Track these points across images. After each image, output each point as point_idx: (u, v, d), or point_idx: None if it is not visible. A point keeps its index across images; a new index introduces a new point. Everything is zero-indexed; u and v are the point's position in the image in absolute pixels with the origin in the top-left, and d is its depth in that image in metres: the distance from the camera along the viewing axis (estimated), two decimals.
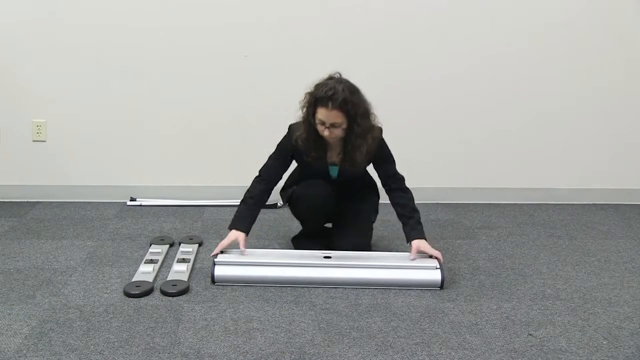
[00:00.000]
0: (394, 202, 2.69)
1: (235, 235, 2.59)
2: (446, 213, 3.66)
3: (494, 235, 3.29)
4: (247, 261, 2.53)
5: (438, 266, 2.54)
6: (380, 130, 2.64)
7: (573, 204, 3.91)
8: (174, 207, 3.62)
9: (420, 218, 2.67)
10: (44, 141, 3.61)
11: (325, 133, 2.49)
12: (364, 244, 2.76)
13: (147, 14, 3.51)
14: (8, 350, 1.96)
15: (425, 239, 2.62)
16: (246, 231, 2.62)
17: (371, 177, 2.89)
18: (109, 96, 3.59)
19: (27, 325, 2.13)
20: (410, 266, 2.54)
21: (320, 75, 3.61)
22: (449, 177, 3.86)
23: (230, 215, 3.45)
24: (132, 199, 3.67)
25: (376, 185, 2.90)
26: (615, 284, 2.67)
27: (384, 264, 2.55)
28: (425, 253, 2.60)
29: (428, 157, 3.81)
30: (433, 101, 3.76)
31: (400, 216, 2.68)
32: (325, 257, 2.58)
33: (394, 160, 2.72)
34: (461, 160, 3.85)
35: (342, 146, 2.60)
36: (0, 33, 3.47)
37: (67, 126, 3.60)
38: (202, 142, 3.69)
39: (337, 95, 2.42)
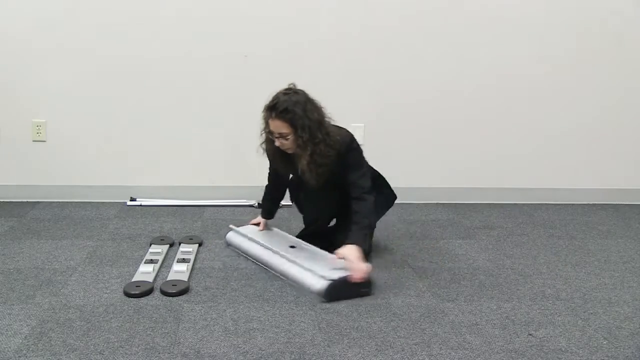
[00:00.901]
0: (352, 210, 2.56)
1: (259, 219, 3.00)
2: (446, 213, 3.66)
3: (494, 235, 3.29)
4: (245, 233, 2.89)
5: (332, 278, 2.37)
6: (349, 137, 2.58)
7: (573, 204, 3.91)
8: (174, 207, 3.62)
9: (367, 226, 2.53)
10: (44, 141, 3.61)
11: (277, 143, 2.53)
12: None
13: (147, 14, 3.51)
14: (8, 350, 1.96)
15: (362, 248, 2.44)
16: (267, 217, 2.99)
17: (377, 174, 2.82)
18: (109, 96, 3.59)
19: (27, 325, 2.13)
20: (306, 268, 2.47)
21: (321, 75, 3.64)
22: (449, 177, 3.86)
23: (230, 215, 3.49)
24: (132, 199, 3.67)
25: (383, 182, 2.84)
26: (615, 284, 2.67)
27: (295, 259, 2.55)
28: (350, 261, 2.40)
29: (428, 157, 3.81)
30: (433, 101, 3.76)
31: (351, 223, 2.54)
32: (291, 246, 2.73)
33: (359, 168, 2.59)
34: (461, 160, 3.85)
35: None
36: (0, 33, 3.47)
37: (67, 126, 3.60)
38: (202, 142, 3.69)
39: (279, 104, 2.46)
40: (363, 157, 2.67)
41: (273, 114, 2.47)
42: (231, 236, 2.95)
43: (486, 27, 3.70)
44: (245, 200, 3.71)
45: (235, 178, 3.74)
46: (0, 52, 3.49)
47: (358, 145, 2.65)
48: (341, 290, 2.39)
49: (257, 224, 2.99)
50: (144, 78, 3.58)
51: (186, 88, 3.61)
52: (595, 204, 3.94)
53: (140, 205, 3.62)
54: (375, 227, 2.79)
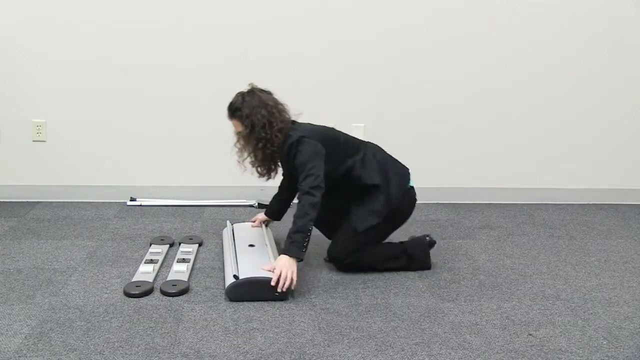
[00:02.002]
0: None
1: (260, 215, 3.02)
2: (446, 213, 3.66)
3: (494, 235, 3.29)
4: (233, 230, 2.94)
5: (239, 277, 2.37)
6: (296, 138, 2.52)
7: (573, 204, 3.91)
8: (174, 207, 3.62)
9: (299, 231, 2.40)
10: (44, 141, 3.61)
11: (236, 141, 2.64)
12: (337, 252, 2.66)
13: (148, 14, 3.51)
14: (8, 350, 1.96)
15: (291, 256, 2.38)
16: (270, 216, 2.99)
17: (366, 179, 2.63)
18: (109, 96, 3.59)
19: (27, 325, 2.13)
20: (234, 265, 2.48)
21: (321, 75, 3.64)
22: (449, 177, 3.86)
23: (230, 215, 3.49)
24: (132, 199, 3.67)
25: (378, 188, 2.63)
26: (615, 284, 2.67)
27: (237, 256, 2.56)
28: (275, 268, 2.38)
29: (428, 157, 3.81)
30: (433, 101, 3.76)
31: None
32: (250, 245, 2.73)
33: (302, 170, 2.49)
34: (461, 160, 3.85)
35: None
36: (0, 33, 3.47)
37: (67, 126, 3.60)
38: (202, 142, 3.69)
39: (232, 104, 2.60)
40: (312, 158, 2.49)
41: (228, 114, 2.62)
42: (223, 232, 3.01)
43: (486, 27, 3.70)
44: (245, 200, 3.71)
45: (235, 178, 3.73)
46: (0, 52, 3.49)
47: (307, 146, 2.50)
48: (248, 291, 2.35)
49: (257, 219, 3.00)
50: (144, 78, 3.58)
51: (186, 88, 3.61)
52: (595, 204, 3.94)
53: (140, 205, 3.62)
54: (311, 229, 2.46)
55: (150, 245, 2.93)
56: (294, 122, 2.65)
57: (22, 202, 3.61)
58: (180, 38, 3.56)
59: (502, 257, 2.96)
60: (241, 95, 2.60)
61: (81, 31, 3.50)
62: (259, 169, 2.65)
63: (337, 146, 2.62)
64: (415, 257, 2.72)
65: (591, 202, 3.96)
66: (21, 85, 3.54)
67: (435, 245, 2.81)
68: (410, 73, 3.71)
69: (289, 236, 2.43)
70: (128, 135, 3.65)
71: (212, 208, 3.62)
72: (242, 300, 2.35)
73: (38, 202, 3.61)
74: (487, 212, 3.71)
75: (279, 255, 2.45)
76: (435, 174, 3.85)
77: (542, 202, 3.92)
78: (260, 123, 2.51)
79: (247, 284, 2.36)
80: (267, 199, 3.69)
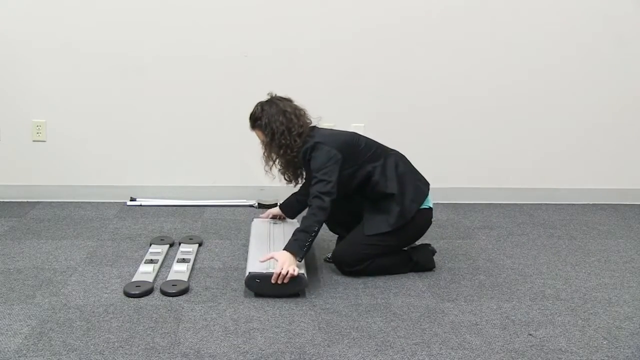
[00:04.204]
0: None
1: (275, 209, 3.03)
2: (446, 213, 3.66)
3: (494, 235, 3.29)
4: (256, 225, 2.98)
5: (255, 272, 2.40)
6: (311, 144, 2.55)
7: (573, 204, 3.91)
8: (174, 207, 3.62)
9: (304, 230, 2.45)
10: (44, 141, 3.61)
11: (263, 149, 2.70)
12: (343, 256, 2.65)
13: (148, 14, 3.51)
14: (8, 350, 1.96)
15: (291, 252, 2.41)
16: (284, 211, 2.98)
17: (383, 187, 2.62)
18: (109, 96, 3.59)
19: (27, 325, 2.13)
20: (252, 259, 2.54)
21: (321, 75, 3.64)
22: (449, 177, 3.86)
23: (230, 215, 3.49)
24: (132, 199, 3.67)
25: (393, 197, 2.63)
26: (615, 284, 2.67)
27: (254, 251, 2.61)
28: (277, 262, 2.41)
29: (428, 157, 3.79)
30: (433, 101, 3.76)
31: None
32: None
33: (314, 174, 2.51)
34: (461, 160, 3.85)
35: None
36: (0, 33, 3.47)
37: (67, 126, 3.60)
38: (202, 142, 3.69)
39: (252, 115, 2.67)
40: (325, 163, 2.51)
41: (249, 125, 2.69)
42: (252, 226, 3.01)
43: (485, 28, 3.70)
44: (245, 200, 3.71)
45: (235, 178, 3.74)
46: (0, 52, 3.49)
47: (321, 152, 2.53)
48: (263, 285, 2.38)
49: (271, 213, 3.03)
50: (144, 78, 3.58)
51: (186, 88, 3.61)
52: (595, 204, 3.94)
53: (140, 205, 3.62)
54: (316, 232, 2.49)
55: (150, 245, 2.93)
56: (314, 127, 2.65)
57: (22, 202, 3.61)
58: (181, 37, 3.56)
59: (502, 257, 2.96)
60: (260, 105, 2.66)
61: (81, 31, 3.50)
62: (285, 176, 2.73)
63: (357, 150, 2.64)
64: (421, 264, 2.73)
65: (591, 202, 3.95)
66: (21, 85, 3.54)
67: (436, 253, 2.81)
68: (410, 73, 3.71)
69: (294, 234, 2.48)
70: (128, 135, 3.65)
71: (212, 208, 3.62)
72: (262, 294, 2.39)
73: (38, 202, 3.61)
74: (487, 212, 3.71)
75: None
76: (435, 174, 3.83)
77: (542, 202, 3.92)
78: (279, 130, 2.57)
79: (263, 279, 2.38)
80: (267, 199, 3.71)
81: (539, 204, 3.90)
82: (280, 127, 2.57)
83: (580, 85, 3.83)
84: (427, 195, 2.75)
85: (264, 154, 2.69)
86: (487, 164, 3.87)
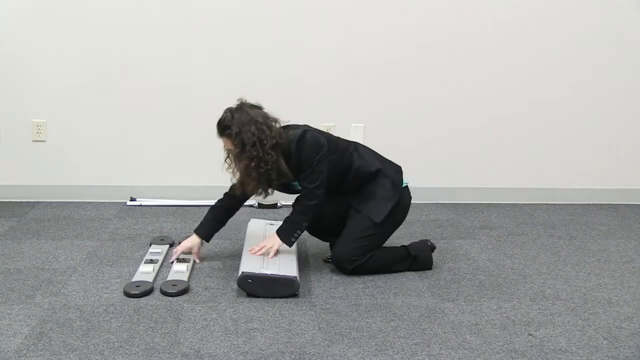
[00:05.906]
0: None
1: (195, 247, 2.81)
2: (446, 213, 3.66)
3: (494, 235, 3.29)
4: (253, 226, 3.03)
5: (249, 272, 2.42)
6: (295, 137, 2.51)
7: (573, 204, 3.91)
8: (174, 207, 3.62)
9: (295, 220, 2.55)
10: (44, 141, 3.61)
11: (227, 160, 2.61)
12: (343, 255, 2.63)
13: (148, 13, 3.51)
14: (8, 350, 1.96)
15: (281, 239, 2.56)
16: (198, 233, 2.78)
17: (366, 167, 2.64)
18: (109, 96, 3.59)
19: (27, 325, 2.13)
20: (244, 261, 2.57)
21: (321, 75, 3.64)
22: (449, 177, 3.86)
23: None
24: (132, 199, 3.66)
25: (380, 172, 2.65)
26: (615, 284, 2.67)
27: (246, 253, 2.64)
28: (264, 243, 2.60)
29: (428, 157, 3.81)
30: (433, 101, 3.76)
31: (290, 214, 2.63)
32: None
33: (307, 163, 2.51)
34: (461, 160, 3.85)
35: None
36: (0, 33, 3.47)
37: (67, 126, 3.60)
38: (202, 142, 3.68)
39: (221, 122, 2.51)
40: (314, 156, 2.50)
41: (217, 132, 2.54)
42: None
43: (485, 28, 3.69)
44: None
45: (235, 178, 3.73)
46: (0, 52, 3.49)
47: (306, 145, 2.50)
48: (257, 285, 2.40)
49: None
50: (144, 78, 3.58)
51: (186, 88, 3.61)
52: (595, 204, 3.94)
53: (140, 205, 3.62)
54: (307, 224, 2.60)
55: (150, 245, 2.93)
56: (287, 126, 2.59)
57: (22, 202, 3.61)
58: (180, 37, 3.55)
59: (502, 257, 2.96)
60: (230, 111, 2.49)
61: (81, 31, 3.49)
62: (249, 188, 2.55)
63: (333, 141, 2.64)
64: (419, 258, 2.73)
65: (591, 202, 3.95)
66: (21, 85, 3.54)
67: (435, 249, 2.82)
68: (410, 73, 3.70)
69: (285, 220, 2.60)
70: (128, 135, 3.65)
71: None
72: (254, 295, 2.40)
73: (38, 202, 3.61)
74: (487, 212, 3.71)
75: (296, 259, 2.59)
76: (435, 174, 3.85)
77: (542, 202, 3.91)
78: (250, 141, 2.42)
79: (258, 279, 2.40)
80: (267, 200, 3.70)
81: (539, 204, 3.90)
82: (251, 138, 2.42)
83: (580, 86, 3.82)
84: (402, 174, 2.77)
85: (227, 160, 2.56)
86: (487, 164, 3.87)
